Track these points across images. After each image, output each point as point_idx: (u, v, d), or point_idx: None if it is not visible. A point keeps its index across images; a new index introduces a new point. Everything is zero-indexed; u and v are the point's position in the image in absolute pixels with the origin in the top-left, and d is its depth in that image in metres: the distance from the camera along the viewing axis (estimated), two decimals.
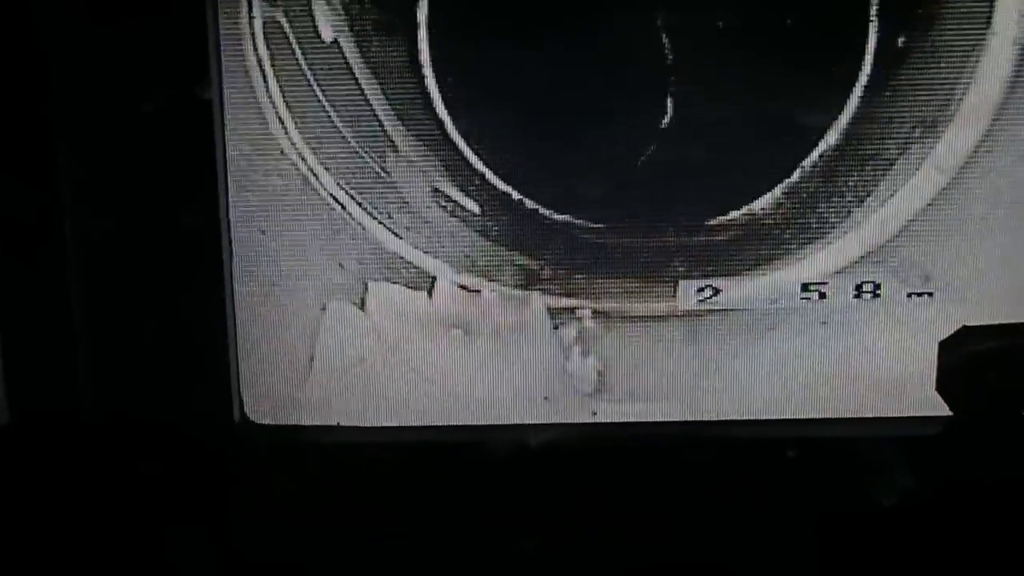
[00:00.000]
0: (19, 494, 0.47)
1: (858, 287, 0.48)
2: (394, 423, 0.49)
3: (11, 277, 0.46)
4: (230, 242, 0.47)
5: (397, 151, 0.47)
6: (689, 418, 0.49)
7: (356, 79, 0.46)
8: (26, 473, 0.47)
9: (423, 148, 0.47)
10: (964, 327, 0.47)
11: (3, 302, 0.46)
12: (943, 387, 0.48)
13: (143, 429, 0.47)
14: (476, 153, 0.47)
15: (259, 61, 0.46)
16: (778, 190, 0.47)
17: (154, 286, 0.47)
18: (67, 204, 0.45)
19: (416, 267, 0.48)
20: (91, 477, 0.47)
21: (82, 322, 0.47)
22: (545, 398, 0.49)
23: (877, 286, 0.48)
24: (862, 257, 0.47)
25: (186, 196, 0.46)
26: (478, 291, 0.48)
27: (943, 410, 0.48)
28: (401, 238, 0.48)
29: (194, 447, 0.47)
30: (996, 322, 0.47)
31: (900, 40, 0.45)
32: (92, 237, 0.46)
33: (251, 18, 0.45)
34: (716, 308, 0.48)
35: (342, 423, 0.49)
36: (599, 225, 0.47)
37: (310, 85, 0.46)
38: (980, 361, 0.47)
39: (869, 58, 0.45)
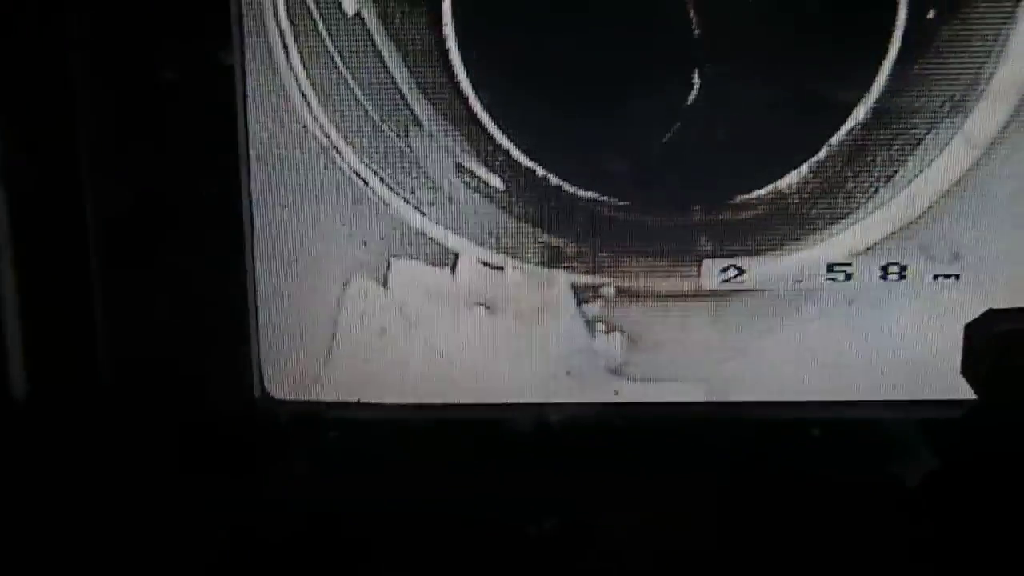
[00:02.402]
0: (39, 467, 0.46)
1: (884, 268, 0.47)
2: (415, 400, 0.49)
3: (31, 250, 0.46)
4: (251, 216, 0.47)
5: (421, 126, 0.47)
6: (712, 399, 0.48)
7: (379, 53, 0.46)
8: (45, 446, 0.46)
9: (447, 124, 0.46)
10: (990, 310, 0.47)
11: (23, 275, 0.45)
12: (968, 370, 0.47)
13: (163, 404, 0.47)
14: (500, 129, 0.46)
15: (281, 34, 0.45)
16: (805, 168, 0.46)
17: (174, 259, 0.46)
18: (87, 174, 0.45)
19: (439, 244, 0.48)
20: (110, 451, 0.47)
21: (101, 295, 0.46)
22: (568, 374, 0.48)
23: (903, 268, 0.47)
24: (888, 237, 0.47)
25: (207, 170, 0.46)
26: (501, 268, 0.48)
27: (968, 393, 0.47)
28: (424, 214, 0.47)
29: (214, 422, 0.47)
30: (1022, 305, 0.47)
31: (930, 15, 0.44)
32: (112, 208, 0.46)
33: None
34: (741, 288, 0.48)
35: (363, 400, 0.49)
36: (624, 202, 0.47)
37: (332, 59, 0.46)
38: (1006, 344, 0.47)
39: (899, 33, 0.45)
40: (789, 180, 0.47)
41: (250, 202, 0.47)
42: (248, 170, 0.47)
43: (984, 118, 0.45)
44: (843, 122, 0.46)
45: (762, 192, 0.47)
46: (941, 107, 0.45)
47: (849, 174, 0.46)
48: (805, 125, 0.46)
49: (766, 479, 0.47)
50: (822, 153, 0.46)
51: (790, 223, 0.47)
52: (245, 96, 0.46)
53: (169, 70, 0.44)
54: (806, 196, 0.47)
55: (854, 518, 0.47)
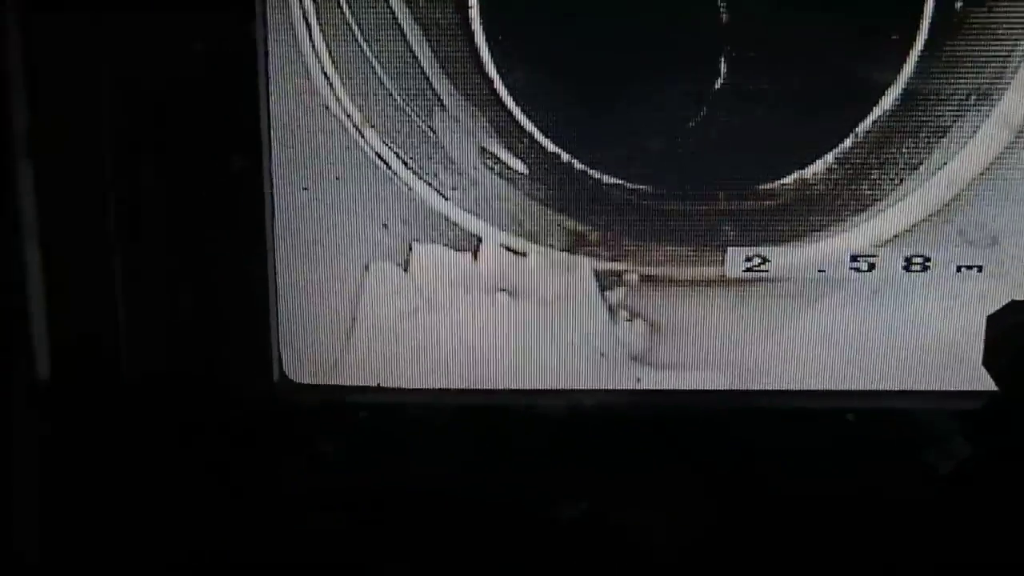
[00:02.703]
0: (61, 450, 0.46)
1: (908, 259, 0.47)
2: (435, 385, 0.48)
3: (52, 234, 0.45)
4: (272, 199, 0.46)
5: (445, 109, 0.46)
6: (735, 387, 0.48)
7: (403, 34, 0.45)
8: (66, 430, 0.46)
9: (471, 106, 0.46)
10: (1013, 301, 0.47)
11: (45, 259, 0.45)
12: (990, 361, 0.47)
13: (183, 387, 0.47)
14: (525, 113, 0.46)
15: (304, 14, 0.45)
16: (830, 156, 0.46)
17: (194, 241, 0.46)
18: (109, 156, 0.45)
19: (462, 228, 0.47)
20: (130, 435, 0.46)
21: (122, 278, 0.46)
22: (592, 359, 0.48)
23: (927, 259, 0.47)
24: (912, 227, 0.47)
25: (228, 151, 0.45)
26: (524, 254, 0.48)
27: (991, 384, 0.47)
28: (447, 198, 0.47)
29: (234, 406, 0.46)
30: None
31: (958, 5, 0.44)
32: (132, 191, 0.45)
33: None
34: (765, 277, 0.47)
35: (383, 384, 0.48)
36: (649, 189, 0.47)
37: (356, 40, 0.45)
38: None
39: (926, 23, 0.44)
40: (814, 169, 0.46)
41: (271, 184, 0.46)
42: (269, 152, 0.46)
43: (1010, 109, 0.45)
44: (870, 110, 0.45)
45: (787, 180, 0.46)
46: (967, 98, 0.45)
47: (875, 163, 0.46)
48: (831, 113, 0.46)
49: (788, 467, 0.47)
50: (848, 142, 0.46)
51: (815, 212, 0.47)
52: (267, 77, 0.45)
53: (190, 49, 0.44)
54: (831, 185, 0.46)
55: (876, 507, 0.47)
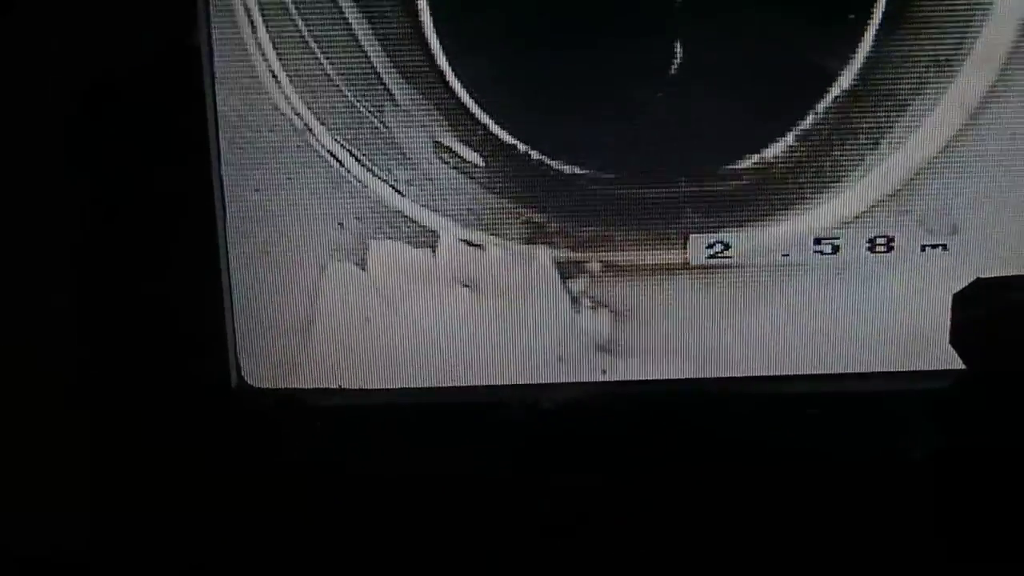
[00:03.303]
0: (13, 462, 0.45)
1: (871, 240, 0.47)
2: (398, 385, 0.47)
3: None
4: (223, 202, 0.46)
5: (396, 103, 0.45)
6: (702, 375, 0.47)
7: (350, 26, 0.45)
8: (24, 441, 0.45)
9: (422, 99, 0.45)
10: (978, 279, 0.46)
11: None
12: (957, 340, 0.47)
13: (138, 395, 0.45)
14: (478, 103, 0.45)
15: (248, 12, 0.44)
16: (790, 136, 0.46)
17: (145, 247, 0.45)
18: (54, 158, 0.44)
19: (419, 224, 0.47)
20: (85, 442, 0.45)
21: (70, 285, 0.45)
22: (555, 352, 0.47)
23: (891, 239, 0.46)
24: (875, 206, 0.46)
25: (176, 154, 0.45)
26: (482, 247, 0.47)
27: (959, 363, 0.47)
28: (403, 194, 0.46)
29: (191, 412, 0.46)
30: (1011, 273, 0.46)
31: None
32: (77, 198, 0.45)
33: None
34: (728, 263, 0.47)
35: (344, 386, 0.47)
36: (607, 176, 0.46)
37: (301, 34, 0.45)
38: (995, 313, 0.46)
39: None
40: (775, 149, 0.46)
41: (221, 187, 0.46)
42: (219, 154, 0.45)
43: (969, 82, 0.45)
44: (828, 88, 0.45)
45: (748, 162, 0.46)
46: (926, 70, 0.45)
47: (836, 140, 0.46)
48: (790, 92, 0.45)
49: (758, 453, 0.47)
50: (808, 121, 0.45)
51: (776, 194, 0.46)
52: (213, 78, 0.45)
53: (133, 52, 0.43)
54: (792, 165, 0.46)
55: (847, 491, 0.47)
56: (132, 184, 0.45)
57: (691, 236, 0.47)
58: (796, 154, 0.46)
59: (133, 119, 0.44)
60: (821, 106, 0.45)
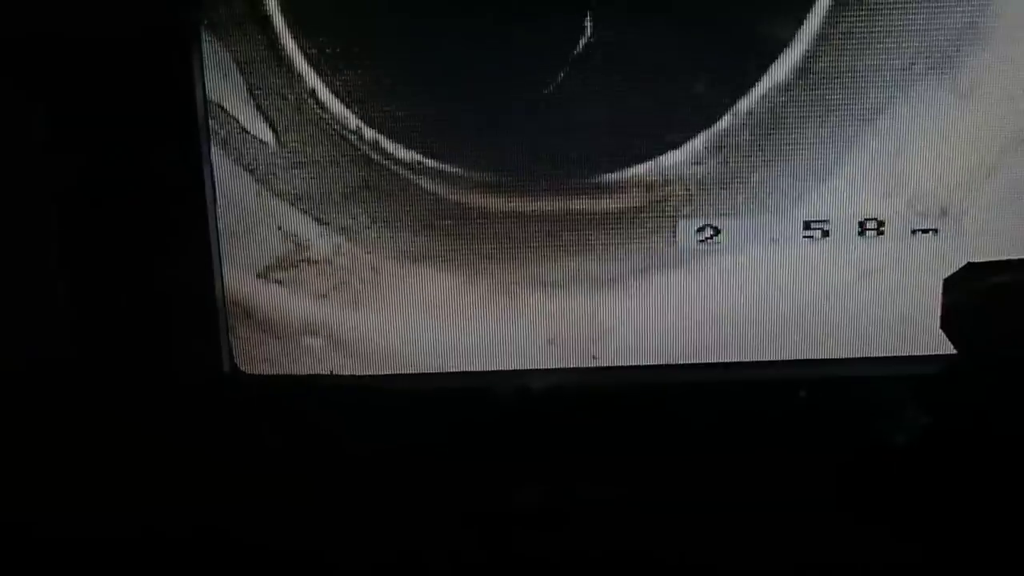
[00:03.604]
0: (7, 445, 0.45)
1: (861, 224, 0.46)
2: (388, 371, 0.48)
3: None
4: (213, 183, 0.46)
5: None
6: (692, 360, 0.47)
7: None
8: (14, 425, 0.45)
9: None
10: (969, 264, 0.46)
11: None
12: (948, 324, 0.47)
13: (130, 383, 0.46)
14: None
15: None
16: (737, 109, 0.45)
17: (135, 230, 0.45)
18: (45, 147, 0.44)
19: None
20: (78, 427, 0.46)
21: (63, 270, 0.45)
22: (545, 340, 0.47)
23: (881, 223, 0.46)
24: (866, 191, 0.46)
25: (167, 138, 0.45)
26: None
27: (950, 348, 0.47)
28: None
29: (183, 397, 0.46)
30: (1001, 258, 0.46)
31: None
32: (72, 181, 0.45)
33: None
34: (717, 248, 0.47)
35: (336, 372, 0.48)
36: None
37: None
38: (985, 298, 0.46)
39: None
40: (725, 123, 0.45)
41: (211, 170, 0.46)
42: (208, 136, 0.45)
43: (970, 60, 0.45)
44: (767, 68, 0.44)
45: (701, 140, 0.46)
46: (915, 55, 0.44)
47: (776, 122, 0.45)
48: (738, 63, 0.44)
49: (748, 438, 0.47)
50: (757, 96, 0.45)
51: (759, 180, 0.46)
52: (202, 63, 0.45)
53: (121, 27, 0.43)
54: (764, 151, 0.46)
55: (835, 475, 0.47)
56: (123, 163, 0.45)
57: (679, 221, 0.47)
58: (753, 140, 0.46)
59: (122, 98, 0.44)
60: (767, 85, 0.45)
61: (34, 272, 0.45)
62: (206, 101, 0.45)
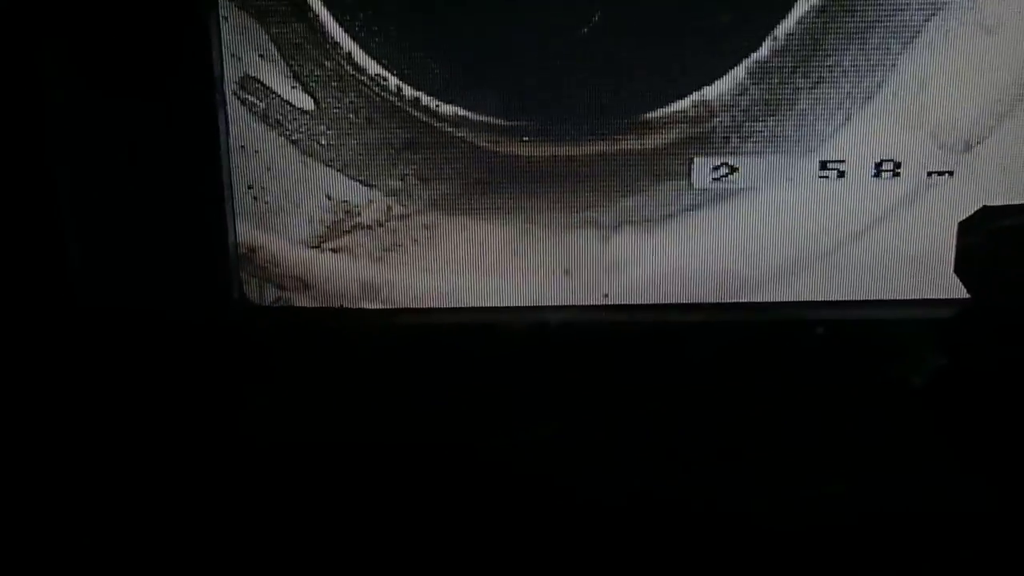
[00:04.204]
0: (14, 382, 0.45)
1: (878, 165, 0.46)
2: (396, 305, 0.48)
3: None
4: (226, 115, 0.45)
5: None
6: (706, 300, 0.47)
7: None
8: (23, 360, 0.45)
9: None
10: (984, 207, 0.46)
11: None
12: (962, 268, 0.46)
13: (141, 313, 0.45)
14: None
15: None
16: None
17: (146, 164, 0.45)
18: (57, 78, 0.44)
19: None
20: (88, 362, 0.45)
21: (73, 202, 0.45)
22: (566, 272, 0.47)
23: (897, 164, 0.46)
24: (884, 128, 0.46)
25: (178, 69, 0.44)
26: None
27: (964, 292, 0.47)
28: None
29: (192, 329, 0.45)
30: (1018, 202, 0.46)
31: None
32: (81, 112, 0.44)
33: None
34: (733, 187, 0.46)
35: (346, 306, 0.47)
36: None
37: None
38: (1001, 241, 0.46)
39: None
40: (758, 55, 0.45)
41: (223, 99, 0.45)
42: (222, 67, 0.45)
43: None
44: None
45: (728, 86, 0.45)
46: None
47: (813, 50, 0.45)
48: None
49: (762, 380, 0.46)
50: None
51: (779, 116, 0.46)
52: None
53: None
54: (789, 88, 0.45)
55: (850, 419, 0.47)
56: (134, 96, 0.44)
57: (695, 160, 0.46)
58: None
59: (135, 38, 0.44)
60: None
61: (35, 199, 0.45)
62: (221, 58, 0.45)
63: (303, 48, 0.45)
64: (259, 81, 0.45)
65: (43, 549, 0.45)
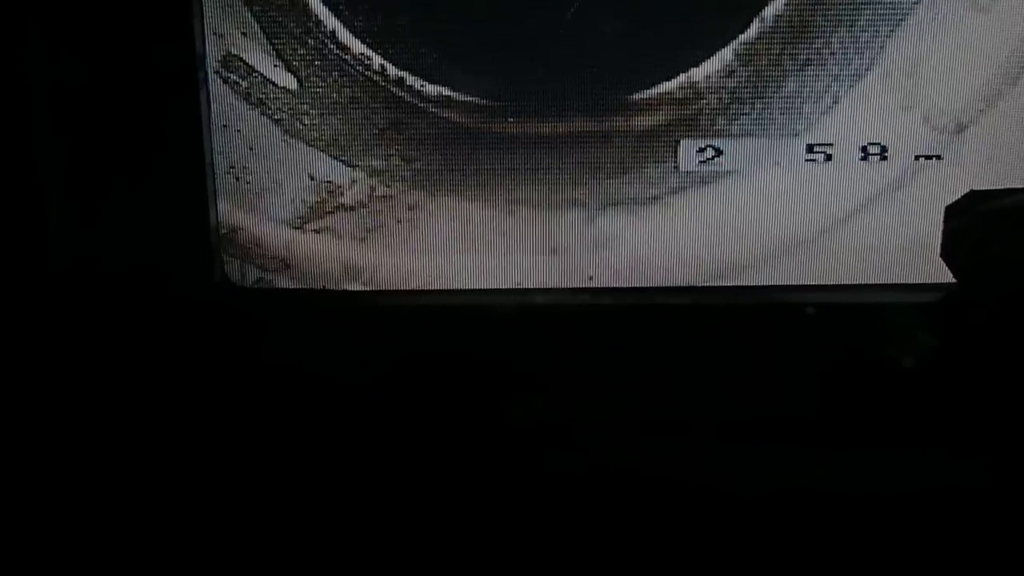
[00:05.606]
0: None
1: (864, 149, 0.46)
2: (379, 287, 0.47)
3: None
4: (208, 93, 0.45)
5: None
6: (691, 282, 0.47)
7: None
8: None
9: None
10: (972, 191, 0.46)
11: None
12: (948, 253, 0.46)
13: (123, 295, 0.45)
14: None
15: None
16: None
17: (127, 143, 0.44)
18: (40, 45, 0.43)
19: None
20: (71, 340, 0.45)
21: (53, 183, 0.44)
22: (550, 252, 0.47)
23: (884, 148, 0.46)
24: (870, 112, 0.45)
25: (163, 47, 0.44)
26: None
27: (950, 277, 0.46)
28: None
29: (173, 308, 0.45)
30: (1004, 187, 0.46)
31: None
32: (65, 88, 0.44)
33: None
34: (719, 169, 0.46)
35: (328, 287, 0.47)
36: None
37: None
38: (986, 226, 0.46)
39: None
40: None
41: (206, 78, 0.45)
42: (204, 45, 0.45)
43: None
44: None
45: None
46: None
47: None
48: None
49: (749, 362, 0.46)
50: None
51: (764, 98, 0.45)
52: None
53: None
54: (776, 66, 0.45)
55: (836, 403, 0.46)
56: (120, 76, 0.44)
57: (682, 141, 0.46)
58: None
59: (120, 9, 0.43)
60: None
61: (17, 176, 0.44)
62: (204, 36, 0.44)
63: (286, 26, 0.45)
64: (241, 60, 0.45)
65: (16, 517, 0.44)
